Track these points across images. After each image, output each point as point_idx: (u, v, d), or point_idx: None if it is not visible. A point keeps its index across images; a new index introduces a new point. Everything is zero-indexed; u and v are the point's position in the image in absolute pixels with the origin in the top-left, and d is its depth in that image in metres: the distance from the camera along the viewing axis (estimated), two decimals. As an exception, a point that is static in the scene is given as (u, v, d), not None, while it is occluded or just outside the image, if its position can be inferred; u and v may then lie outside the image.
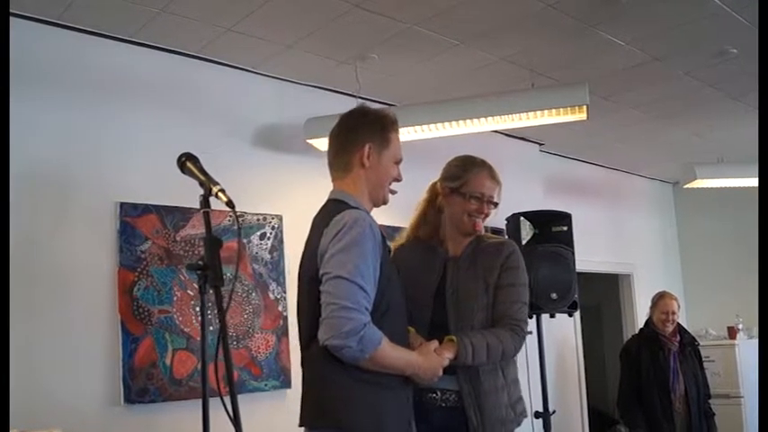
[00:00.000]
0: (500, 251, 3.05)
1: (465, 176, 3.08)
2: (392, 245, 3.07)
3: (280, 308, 4.94)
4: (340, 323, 2.39)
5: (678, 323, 6.26)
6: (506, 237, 5.00)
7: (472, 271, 3.04)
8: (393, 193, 2.75)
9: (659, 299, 6.28)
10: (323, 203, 2.70)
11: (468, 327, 2.91)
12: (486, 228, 3.20)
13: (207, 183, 2.37)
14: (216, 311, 2.29)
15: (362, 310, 2.42)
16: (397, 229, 5.37)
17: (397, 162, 2.76)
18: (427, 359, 2.69)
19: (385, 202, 2.75)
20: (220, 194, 2.33)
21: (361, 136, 2.69)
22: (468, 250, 3.10)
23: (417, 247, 3.19)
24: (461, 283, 3.02)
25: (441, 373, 2.72)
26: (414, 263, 3.11)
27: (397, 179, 2.76)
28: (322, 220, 2.59)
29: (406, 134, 4.76)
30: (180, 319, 4.38)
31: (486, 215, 3.08)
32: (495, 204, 3.10)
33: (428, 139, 4.85)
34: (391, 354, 2.51)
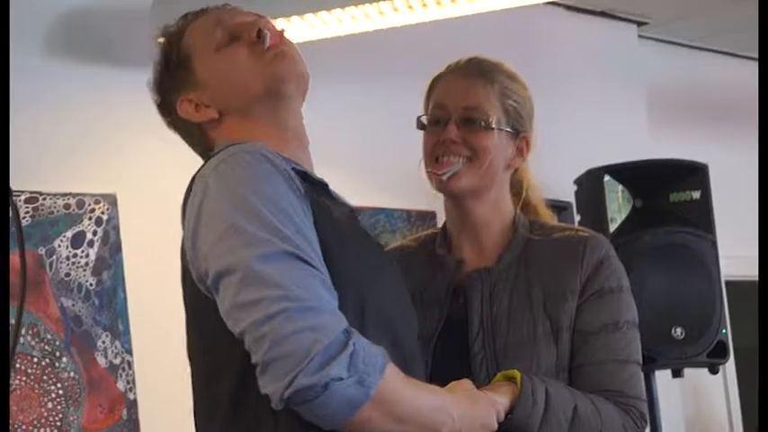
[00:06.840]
0: (578, 255, 1.89)
1: (431, 90, 2.01)
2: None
3: (120, 384, 3.13)
4: (300, 341, 1.30)
5: None
6: (579, 216, 3.48)
7: (521, 296, 1.91)
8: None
9: None
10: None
11: None
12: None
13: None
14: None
15: (328, 306, 1.36)
16: (384, 212, 3.85)
17: (240, 34, 1.64)
18: (469, 404, 1.59)
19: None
20: None
21: (166, 96, 1.68)
22: (508, 256, 1.93)
23: (414, 256, 2.03)
24: (500, 320, 1.89)
25: (495, 428, 1.78)
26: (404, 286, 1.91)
27: (260, 46, 1.64)
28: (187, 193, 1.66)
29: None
30: None
31: (451, 141, 1.89)
32: (483, 124, 1.91)
33: (422, 23, 3.20)
34: (408, 392, 1.42)
